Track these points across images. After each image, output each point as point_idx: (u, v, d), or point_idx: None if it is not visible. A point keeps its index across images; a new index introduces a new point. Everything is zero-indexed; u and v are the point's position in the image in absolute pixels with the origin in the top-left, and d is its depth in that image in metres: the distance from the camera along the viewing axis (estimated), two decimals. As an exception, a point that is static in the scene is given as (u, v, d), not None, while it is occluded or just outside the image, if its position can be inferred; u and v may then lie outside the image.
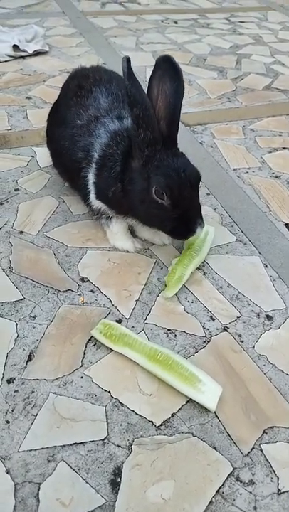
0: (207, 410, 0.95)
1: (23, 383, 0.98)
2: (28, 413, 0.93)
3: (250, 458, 0.88)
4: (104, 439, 0.90)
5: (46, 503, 0.80)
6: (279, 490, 0.84)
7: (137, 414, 0.94)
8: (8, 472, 0.84)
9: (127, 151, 1.15)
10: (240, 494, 0.83)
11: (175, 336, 1.11)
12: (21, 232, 1.38)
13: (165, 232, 1.19)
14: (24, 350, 1.05)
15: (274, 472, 0.87)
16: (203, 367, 1.02)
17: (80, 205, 1.47)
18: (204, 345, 1.09)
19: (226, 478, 0.85)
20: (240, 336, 1.12)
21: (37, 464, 0.85)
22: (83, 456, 0.87)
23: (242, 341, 1.10)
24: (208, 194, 1.61)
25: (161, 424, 0.92)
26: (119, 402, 0.96)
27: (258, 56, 2.84)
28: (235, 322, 1.15)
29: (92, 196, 1.27)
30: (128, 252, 1.34)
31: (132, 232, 1.39)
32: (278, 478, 0.86)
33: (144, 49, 2.84)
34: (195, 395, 0.95)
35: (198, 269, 1.29)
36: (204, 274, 1.29)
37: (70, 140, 1.30)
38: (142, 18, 3.45)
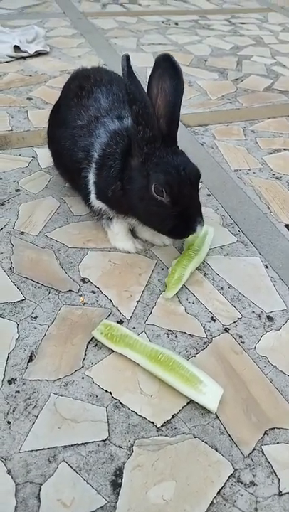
0: (208, 411, 0.95)
1: (24, 384, 0.98)
2: (29, 414, 0.93)
3: (251, 459, 0.88)
4: (106, 439, 0.90)
5: (47, 503, 0.80)
6: (280, 491, 0.84)
7: (138, 415, 0.94)
8: (9, 472, 0.84)
9: (126, 150, 1.15)
10: (241, 495, 0.83)
11: (176, 336, 1.11)
12: (22, 233, 1.38)
13: (164, 234, 1.19)
14: (25, 350, 1.05)
15: (275, 473, 0.87)
16: (204, 368, 1.01)
17: (80, 205, 1.47)
18: (205, 346, 1.09)
19: (227, 480, 0.85)
20: (241, 337, 1.12)
21: (38, 465, 0.85)
22: (84, 457, 0.87)
23: (243, 342, 1.10)
24: (209, 195, 1.61)
25: (162, 425, 0.92)
26: (120, 403, 0.96)
27: (258, 57, 2.85)
28: (236, 323, 1.15)
29: (93, 196, 1.27)
30: (129, 252, 1.34)
31: (133, 233, 1.39)
32: (279, 479, 0.86)
33: (145, 50, 2.84)
34: (196, 396, 0.95)
35: (198, 270, 1.30)
36: (205, 275, 1.29)
37: (70, 140, 1.30)
38: (143, 19, 3.46)
